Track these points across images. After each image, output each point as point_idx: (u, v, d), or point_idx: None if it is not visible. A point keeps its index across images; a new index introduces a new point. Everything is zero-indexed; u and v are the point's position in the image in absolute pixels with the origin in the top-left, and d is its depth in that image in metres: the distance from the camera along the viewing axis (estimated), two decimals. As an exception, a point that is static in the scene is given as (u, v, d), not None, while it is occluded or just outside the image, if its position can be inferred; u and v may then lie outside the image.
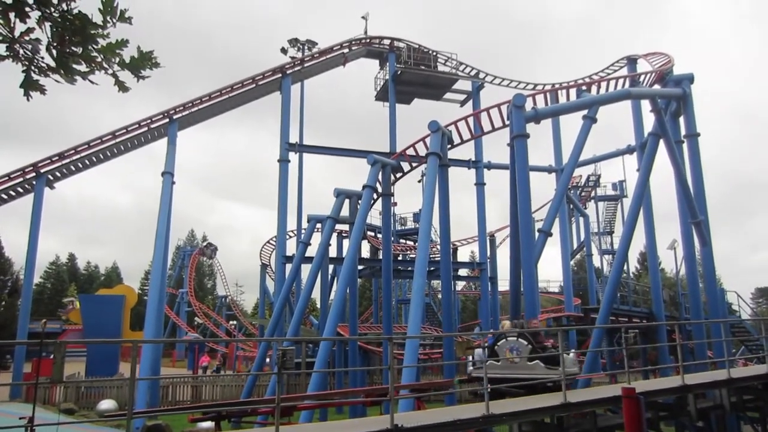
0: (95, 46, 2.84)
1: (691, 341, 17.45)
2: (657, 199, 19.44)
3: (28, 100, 2.92)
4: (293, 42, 27.01)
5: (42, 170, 23.30)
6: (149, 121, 23.48)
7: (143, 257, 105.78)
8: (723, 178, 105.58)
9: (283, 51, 27.02)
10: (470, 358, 10.03)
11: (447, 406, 15.00)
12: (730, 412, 11.35)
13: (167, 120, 23.28)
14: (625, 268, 29.74)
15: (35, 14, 2.74)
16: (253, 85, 24.24)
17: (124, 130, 23.48)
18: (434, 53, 26.12)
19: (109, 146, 23.66)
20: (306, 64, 25.14)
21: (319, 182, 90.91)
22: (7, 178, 23.09)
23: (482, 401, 8.90)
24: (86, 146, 23.49)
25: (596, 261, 36.92)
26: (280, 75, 24.15)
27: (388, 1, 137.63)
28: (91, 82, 2.93)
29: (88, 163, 24.04)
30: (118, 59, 2.92)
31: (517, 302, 15.63)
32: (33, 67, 2.85)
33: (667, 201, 22.37)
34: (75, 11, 2.77)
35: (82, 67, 2.91)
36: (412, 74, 25.29)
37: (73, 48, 2.81)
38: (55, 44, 2.79)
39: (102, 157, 23.99)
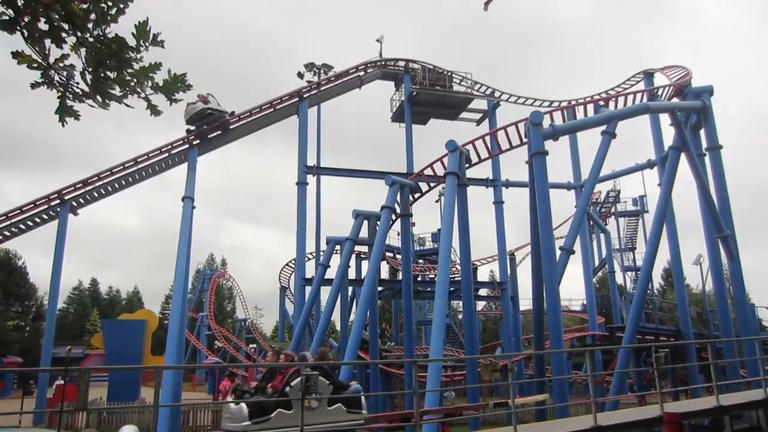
0: (129, 70, 2.85)
1: (722, 360, 16.90)
2: (678, 211, 19.09)
3: (63, 126, 2.93)
4: (309, 66, 27.44)
5: (66, 197, 23.74)
6: (169, 147, 23.89)
7: (160, 280, 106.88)
8: (747, 188, 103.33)
9: (300, 75, 27.47)
10: (228, 408, 7.41)
11: (471, 431, 14.70)
12: (768, 434, 10.90)
13: (187, 146, 23.66)
14: (649, 284, 29.13)
15: (70, 40, 2.75)
16: (271, 110, 24.57)
17: (146, 157, 23.91)
18: (449, 73, 26.27)
19: (130, 173, 24.06)
20: (322, 88, 25.44)
21: (335, 204, 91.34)
22: (32, 205, 23.59)
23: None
24: (108, 173, 23.94)
25: (618, 278, 36.26)
26: (297, 99, 24.46)
27: (398, 23, 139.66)
28: (127, 105, 2.94)
29: (110, 189, 24.45)
30: (150, 82, 2.93)
31: (540, 322, 15.37)
32: (68, 93, 2.85)
33: (689, 213, 22.00)
34: (111, 35, 2.78)
35: (116, 91, 2.92)
36: (427, 95, 25.44)
37: (107, 72, 2.82)
38: (90, 69, 2.80)
39: (124, 183, 24.40)
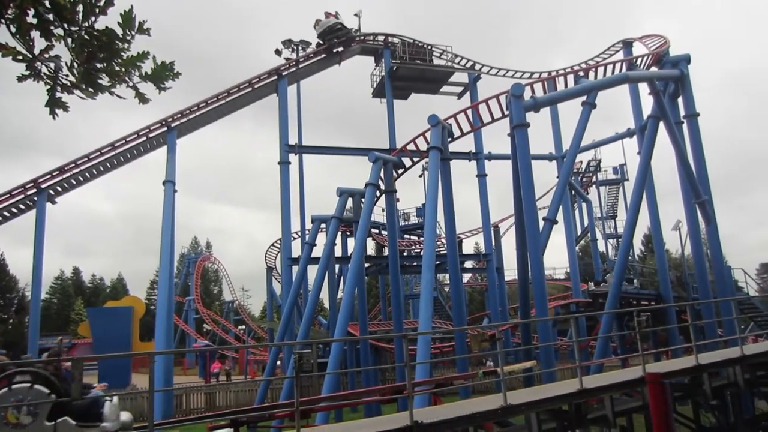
0: (118, 60, 2.84)
1: (701, 321, 17.49)
2: (657, 178, 19.44)
3: (54, 118, 2.91)
4: (287, 43, 26.87)
5: (43, 185, 23.25)
6: (147, 130, 23.47)
7: (144, 266, 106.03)
8: (722, 155, 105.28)
9: (278, 53, 26.90)
10: None
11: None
12: (744, 389, 11.37)
13: (165, 129, 23.27)
14: (630, 251, 29.73)
15: (57, 32, 2.71)
16: (250, 89, 24.20)
17: (123, 141, 23.47)
18: (429, 47, 26.03)
19: (108, 158, 23.64)
20: (301, 65, 25.09)
21: (318, 182, 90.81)
22: (8, 195, 23.08)
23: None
24: (86, 159, 23.47)
25: (600, 245, 36.95)
26: (275, 77, 24.10)
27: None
28: (119, 96, 2.93)
29: (88, 176, 24.02)
30: (138, 72, 2.91)
31: (525, 291, 15.69)
32: (57, 85, 2.82)
33: (668, 180, 22.42)
34: (100, 27, 2.76)
35: (105, 82, 2.90)
36: (407, 69, 25.21)
37: (97, 63, 2.80)
38: (78, 60, 2.78)
39: (102, 169, 23.98)
